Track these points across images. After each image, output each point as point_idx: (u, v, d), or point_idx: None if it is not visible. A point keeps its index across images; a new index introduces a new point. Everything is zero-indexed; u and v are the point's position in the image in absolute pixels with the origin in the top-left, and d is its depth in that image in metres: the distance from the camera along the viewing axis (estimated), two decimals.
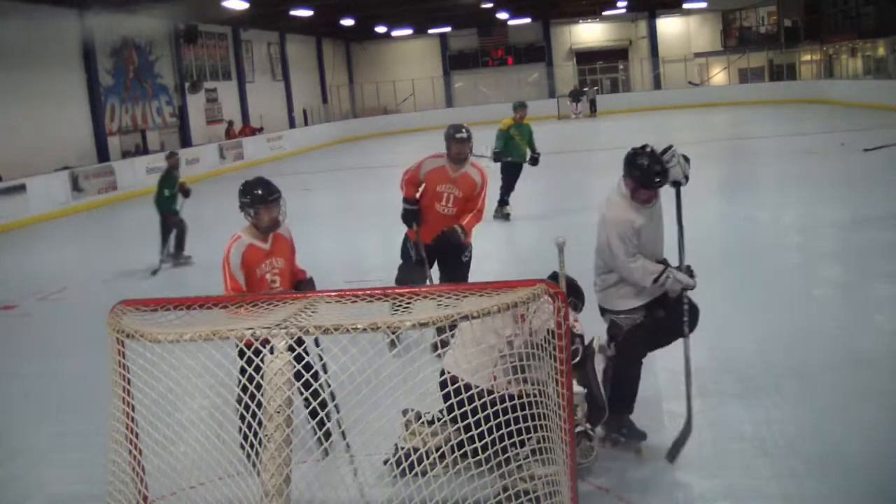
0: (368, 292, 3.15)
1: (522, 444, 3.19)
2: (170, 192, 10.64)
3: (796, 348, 5.61)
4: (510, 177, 11.61)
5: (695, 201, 12.54)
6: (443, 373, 3.79)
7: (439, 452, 3.05)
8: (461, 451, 3.09)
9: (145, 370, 2.95)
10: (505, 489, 3.31)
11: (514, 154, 11.43)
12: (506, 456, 3.23)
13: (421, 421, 4.04)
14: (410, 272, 6.19)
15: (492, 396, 3.11)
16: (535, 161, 11.50)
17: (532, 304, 2.97)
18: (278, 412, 2.69)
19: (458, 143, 6.14)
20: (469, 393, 3.11)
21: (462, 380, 3.43)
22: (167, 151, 12.53)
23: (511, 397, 3.17)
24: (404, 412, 3.92)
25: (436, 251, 6.24)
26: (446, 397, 3.45)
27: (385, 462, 3.98)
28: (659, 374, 5.39)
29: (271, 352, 2.83)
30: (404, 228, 6.34)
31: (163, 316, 3.17)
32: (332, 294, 3.17)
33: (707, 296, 7.09)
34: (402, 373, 3.08)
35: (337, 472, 3.57)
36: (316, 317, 2.90)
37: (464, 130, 6.19)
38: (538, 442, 3.25)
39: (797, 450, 4.13)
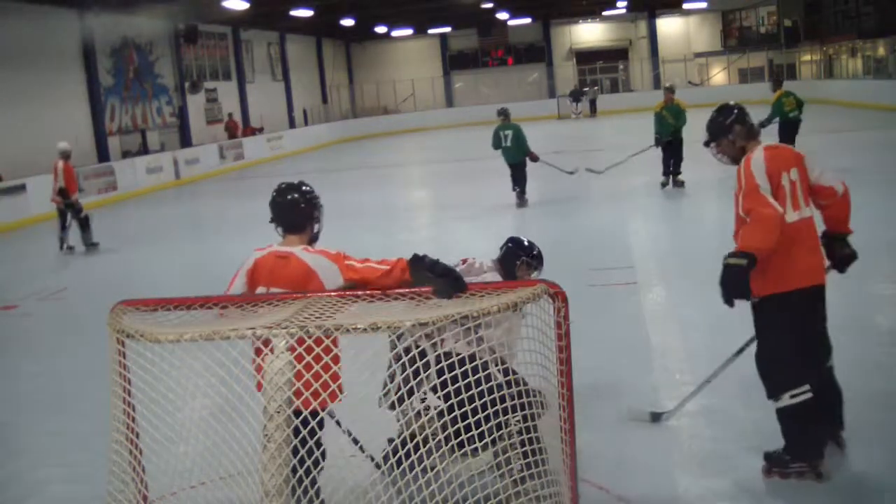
0: (368, 292, 3.15)
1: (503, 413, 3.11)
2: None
3: None
4: (675, 151, 13.25)
5: (694, 201, 12.59)
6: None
7: (436, 440, 3.03)
8: (458, 440, 3.07)
9: (145, 370, 2.95)
10: (505, 489, 3.31)
11: (664, 133, 13.34)
12: (506, 456, 3.21)
13: (421, 421, 4.03)
14: (807, 363, 3.83)
15: (473, 363, 3.07)
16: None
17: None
18: (278, 412, 2.68)
19: None
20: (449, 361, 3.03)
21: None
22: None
23: (472, 358, 3.09)
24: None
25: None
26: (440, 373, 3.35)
27: (383, 457, 3.99)
28: (655, 371, 5.40)
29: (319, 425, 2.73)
30: (406, 229, 6.22)
31: (163, 316, 3.17)
32: (333, 294, 3.17)
33: (707, 296, 7.11)
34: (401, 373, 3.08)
35: (337, 472, 3.57)
36: (316, 317, 2.90)
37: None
38: (525, 429, 3.24)
39: None
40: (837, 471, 3.88)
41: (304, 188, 3.63)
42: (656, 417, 4.59)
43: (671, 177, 13.33)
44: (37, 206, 16.85)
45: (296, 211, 3.56)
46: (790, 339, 3.83)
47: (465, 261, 4.37)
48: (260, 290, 3.40)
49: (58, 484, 4.53)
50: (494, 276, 4.40)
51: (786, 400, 3.78)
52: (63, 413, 5.65)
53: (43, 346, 7.59)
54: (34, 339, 7.93)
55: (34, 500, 4.44)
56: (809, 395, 3.76)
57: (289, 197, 3.58)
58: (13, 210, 16.24)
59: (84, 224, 12.30)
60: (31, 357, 7.26)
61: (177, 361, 2.91)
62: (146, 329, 2.89)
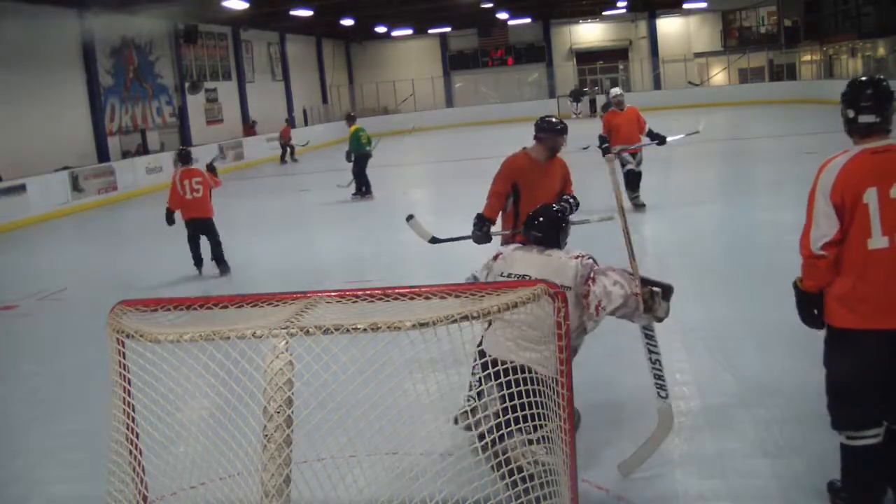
0: (368, 292, 3.15)
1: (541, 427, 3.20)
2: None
3: (796, 348, 5.61)
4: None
5: (695, 201, 12.59)
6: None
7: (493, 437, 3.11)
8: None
9: (145, 370, 2.95)
10: (508, 462, 3.31)
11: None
12: (521, 438, 3.22)
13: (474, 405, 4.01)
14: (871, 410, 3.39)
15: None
16: None
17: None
18: (278, 412, 2.68)
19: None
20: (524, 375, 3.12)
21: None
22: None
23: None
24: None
25: None
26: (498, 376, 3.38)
27: (458, 417, 4.00)
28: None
29: None
30: (405, 228, 6.22)
31: (163, 316, 3.17)
32: (333, 294, 3.16)
33: (707, 296, 7.11)
34: (401, 373, 3.08)
35: (337, 472, 3.57)
36: (316, 317, 2.89)
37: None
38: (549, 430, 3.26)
39: (797, 450, 4.12)
40: None
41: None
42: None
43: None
44: (36, 206, 16.88)
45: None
46: (853, 380, 3.34)
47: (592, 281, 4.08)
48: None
49: (58, 484, 4.53)
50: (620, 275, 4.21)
51: (843, 438, 3.46)
52: (63, 413, 5.64)
53: (43, 346, 7.59)
54: (34, 339, 7.93)
55: (34, 500, 4.44)
56: (871, 440, 3.36)
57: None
58: (13, 210, 16.24)
59: None
60: (31, 357, 7.26)
61: (176, 362, 2.91)
62: (146, 329, 2.88)
